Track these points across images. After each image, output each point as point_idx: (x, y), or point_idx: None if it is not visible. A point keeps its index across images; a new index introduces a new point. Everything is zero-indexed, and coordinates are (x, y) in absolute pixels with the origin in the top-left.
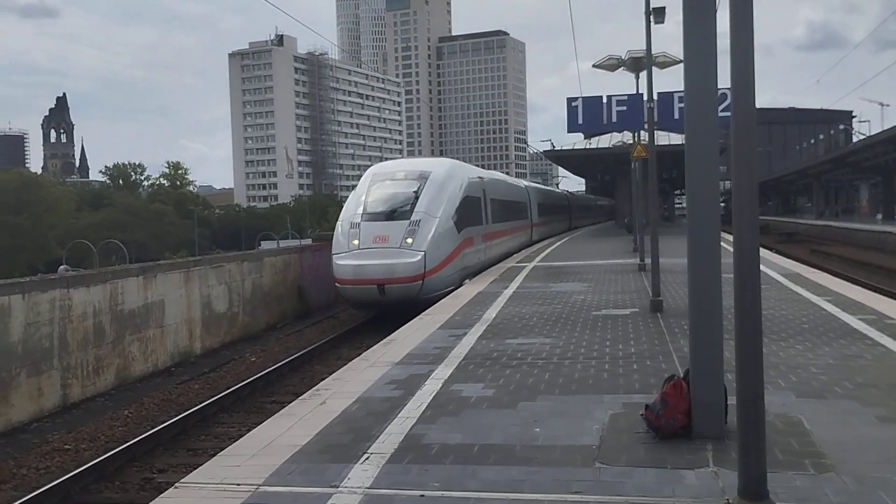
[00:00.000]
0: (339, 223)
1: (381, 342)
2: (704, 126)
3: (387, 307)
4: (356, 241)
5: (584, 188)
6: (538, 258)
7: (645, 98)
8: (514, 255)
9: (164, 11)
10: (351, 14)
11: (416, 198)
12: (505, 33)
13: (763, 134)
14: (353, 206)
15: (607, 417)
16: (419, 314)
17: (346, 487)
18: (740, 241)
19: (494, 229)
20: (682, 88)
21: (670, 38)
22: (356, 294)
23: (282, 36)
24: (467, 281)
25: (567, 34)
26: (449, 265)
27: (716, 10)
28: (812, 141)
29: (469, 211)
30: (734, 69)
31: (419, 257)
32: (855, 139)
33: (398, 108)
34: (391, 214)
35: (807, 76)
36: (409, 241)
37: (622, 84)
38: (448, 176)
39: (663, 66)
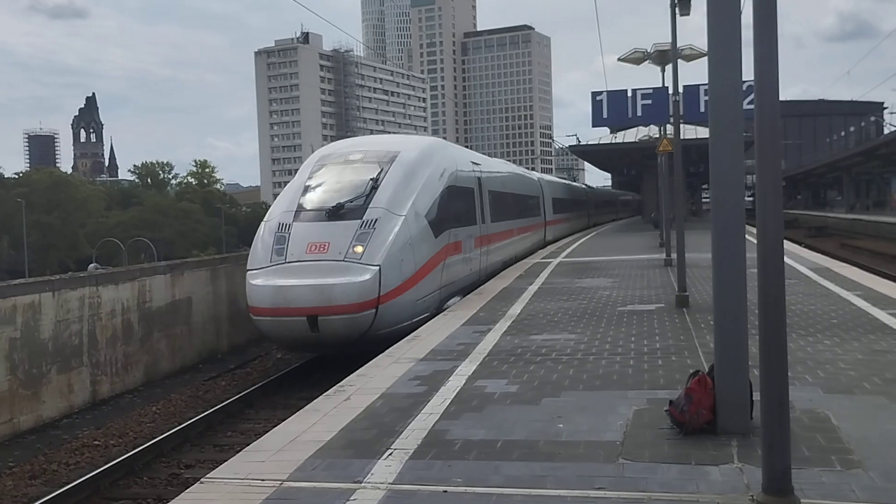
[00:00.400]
0: (262, 224)
1: (406, 338)
2: (729, 119)
3: (324, 349)
4: (282, 251)
5: (609, 183)
6: (564, 254)
7: (670, 91)
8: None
9: (192, 10)
10: (376, 10)
11: (375, 188)
12: (530, 28)
13: (793, 127)
14: (286, 202)
15: (631, 413)
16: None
17: (369, 483)
18: (764, 235)
19: (495, 230)
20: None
21: (696, 30)
22: (277, 330)
23: (307, 33)
24: (454, 301)
25: (592, 27)
26: (420, 283)
27: (740, 1)
28: (842, 133)
29: (455, 206)
30: (758, 60)
31: (371, 275)
32: (886, 131)
33: (423, 105)
34: (335, 212)
35: (837, 67)
36: (359, 249)
37: (648, 77)
38: (423, 158)
39: (689, 58)
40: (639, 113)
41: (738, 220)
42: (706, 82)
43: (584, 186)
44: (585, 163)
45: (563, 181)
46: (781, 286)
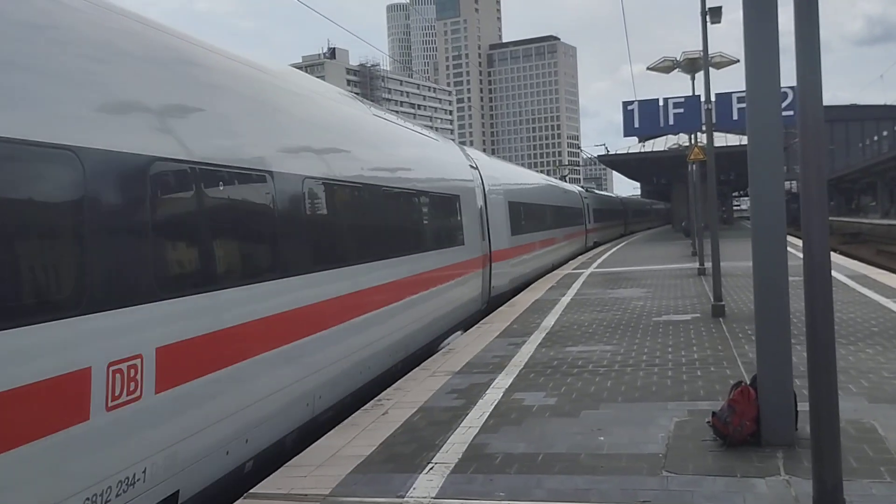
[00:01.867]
0: None
1: (441, 352)
2: (767, 126)
3: None
4: None
5: (638, 192)
6: (595, 264)
7: (702, 99)
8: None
9: (221, 28)
10: (402, 24)
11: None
12: (556, 38)
13: (842, 131)
14: None
15: (672, 425)
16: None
17: (412, 497)
18: (810, 243)
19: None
20: (741, 88)
21: (723, 37)
22: None
23: (334, 49)
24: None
25: (616, 37)
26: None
27: (777, 7)
28: (875, 138)
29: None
30: (800, 66)
31: None
32: None
33: (450, 117)
34: None
35: (867, 71)
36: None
37: (674, 86)
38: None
39: (720, 66)
40: (671, 122)
41: (778, 227)
42: (738, 90)
43: (618, 197)
44: (613, 172)
45: (602, 193)
46: (829, 295)
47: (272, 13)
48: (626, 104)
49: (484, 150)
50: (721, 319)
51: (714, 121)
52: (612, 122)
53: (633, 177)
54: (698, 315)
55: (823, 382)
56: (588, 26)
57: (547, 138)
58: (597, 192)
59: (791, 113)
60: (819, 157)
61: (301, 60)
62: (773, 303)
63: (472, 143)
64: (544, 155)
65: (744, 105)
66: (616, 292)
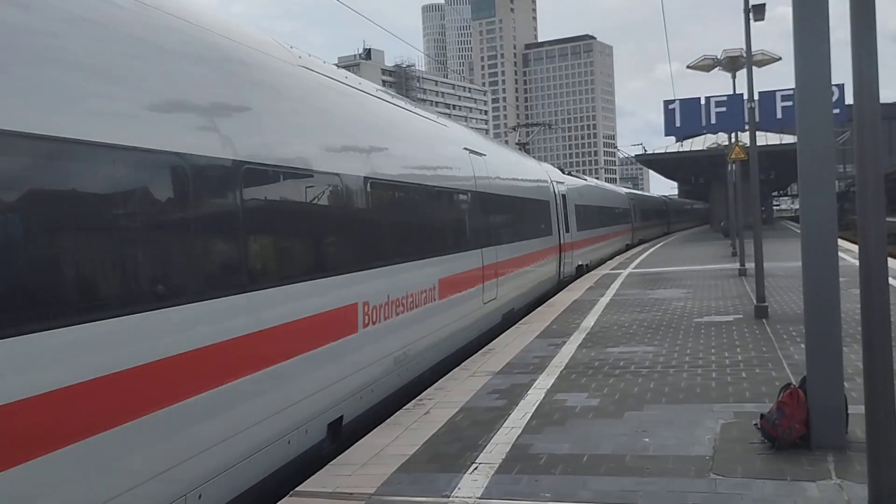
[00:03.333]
0: None
1: (480, 352)
2: (818, 123)
3: None
4: None
5: (676, 192)
6: (633, 265)
7: (745, 98)
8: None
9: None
10: (437, 25)
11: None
12: (592, 37)
13: (884, 130)
14: None
15: (719, 427)
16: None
17: (457, 497)
18: (866, 242)
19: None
20: (782, 87)
21: (762, 35)
22: None
23: (369, 49)
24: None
25: (651, 36)
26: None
27: (828, 1)
28: None
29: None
30: (856, 60)
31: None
32: None
33: (485, 117)
34: None
35: None
36: None
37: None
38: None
39: (761, 64)
40: (713, 121)
41: (829, 227)
42: (781, 88)
43: (661, 198)
44: (650, 171)
45: (646, 195)
46: (886, 295)
47: (307, 14)
48: (667, 103)
49: (518, 151)
50: (764, 321)
51: (758, 119)
52: (648, 122)
53: (671, 176)
54: (741, 316)
55: (880, 385)
56: (623, 25)
57: (582, 138)
58: (641, 193)
59: (837, 111)
60: (876, 154)
61: (337, 61)
62: (823, 304)
63: (507, 143)
64: (580, 155)
65: (788, 103)
66: (655, 293)
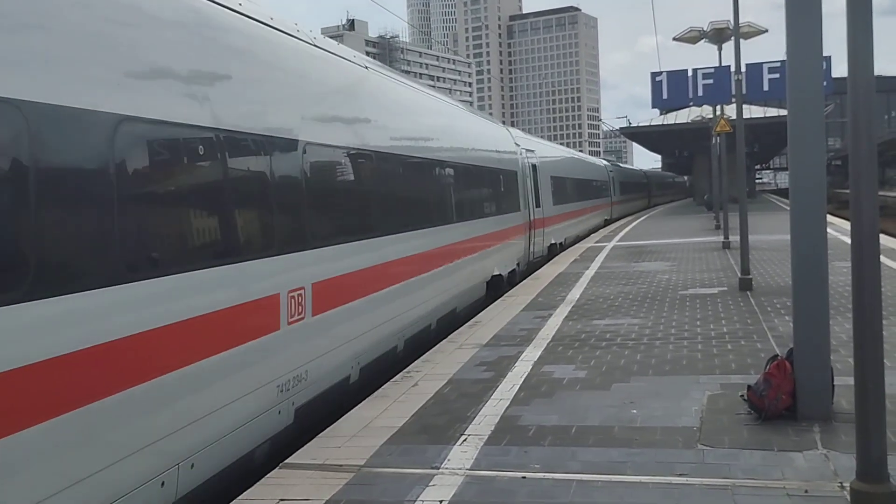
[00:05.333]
0: None
1: (467, 324)
2: (809, 96)
3: None
4: None
5: (660, 165)
6: (617, 237)
7: (732, 70)
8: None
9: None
10: None
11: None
12: (576, 9)
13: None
14: None
15: (705, 398)
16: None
17: (446, 468)
18: (858, 214)
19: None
20: (768, 59)
21: (743, 6)
22: None
23: (353, 20)
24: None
25: (633, 8)
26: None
27: None
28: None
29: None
30: (851, 28)
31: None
32: None
33: (469, 89)
34: None
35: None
36: None
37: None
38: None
39: (748, 36)
40: (700, 93)
41: (818, 199)
42: (768, 60)
43: (642, 171)
44: (634, 144)
45: (627, 167)
46: (877, 267)
47: None
48: (654, 75)
49: (503, 123)
50: (748, 293)
51: (745, 92)
52: (631, 95)
53: (655, 149)
54: (725, 288)
55: (870, 356)
56: None
57: (567, 110)
58: (621, 165)
59: (824, 83)
60: (869, 126)
61: (321, 31)
62: (811, 276)
63: (491, 115)
64: (564, 127)
65: (775, 76)
66: (640, 265)
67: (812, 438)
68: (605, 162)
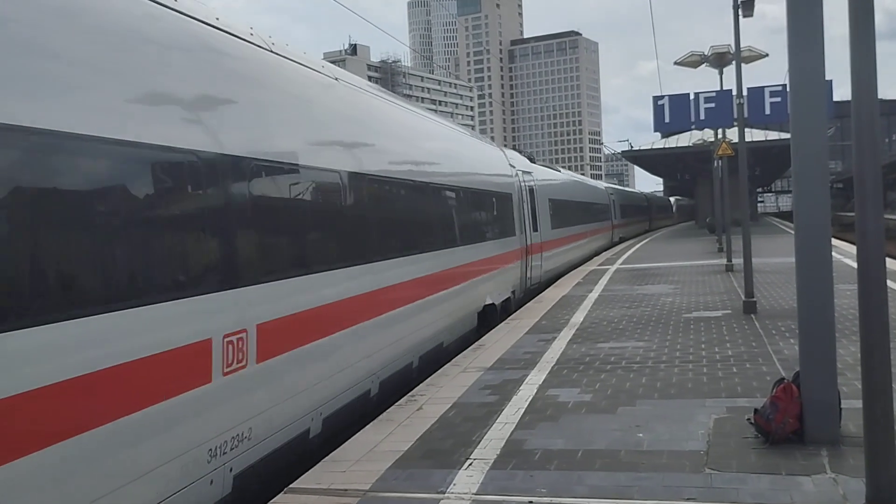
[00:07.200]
0: None
1: (471, 347)
2: (813, 119)
3: None
4: None
5: (661, 188)
6: (620, 261)
7: (734, 94)
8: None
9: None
10: (423, 21)
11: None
12: (577, 34)
13: (849, 127)
14: None
15: (712, 422)
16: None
17: (452, 493)
18: (864, 237)
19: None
20: (770, 83)
21: (742, 31)
22: None
23: (355, 45)
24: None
25: (634, 33)
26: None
27: None
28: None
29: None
30: (854, 51)
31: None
32: None
33: (471, 113)
34: None
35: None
36: None
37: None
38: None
39: (748, 60)
40: (702, 116)
41: (823, 221)
42: (770, 84)
43: (642, 193)
44: (636, 167)
45: (627, 190)
46: (884, 290)
47: (291, 10)
48: (656, 99)
49: (505, 146)
50: (753, 316)
51: (746, 115)
52: (631, 118)
53: (657, 172)
54: (729, 311)
55: (878, 380)
56: (605, 22)
57: (568, 134)
58: (620, 188)
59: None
60: (874, 148)
61: (322, 57)
62: (817, 300)
63: (493, 139)
64: (566, 151)
65: (777, 99)
66: (644, 288)
67: (820, 462)
68: (605, 185)
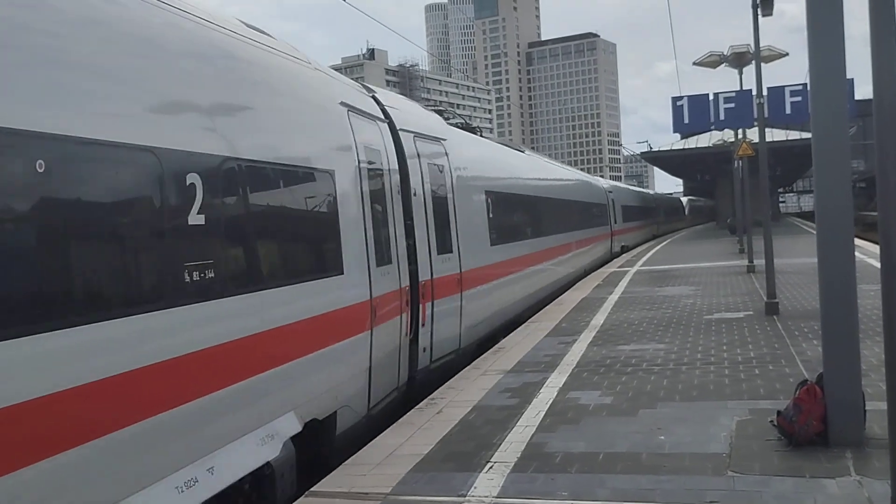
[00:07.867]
0: None
1: (491, 350)
2: (834, 118)
3: None
4: None
5: (681, 188)
6: (640, 262)
7: (754, 94)
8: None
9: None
10: (440, 24)
11: None
12: (595, 35)
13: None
14: None
15: (734, 424)
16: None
17: (473, 496)
18: (887, 238)
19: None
20: (789, 83)
21: (761, 30)
22: None
23: (373, 50)
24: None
25: (651, 34)
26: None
27: None
28: None
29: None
30: (875, 48)
31: None
32: None
33: (489, 116)
34: None
35: None
36: None
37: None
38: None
39: (768, 60)
40: (721, 117)
41: (846, 223)
42: (790, 83)
43: (651, 192)
44: (655, 169)
45: (631, 188)
46: None
47: (308, 15)
48: (675, 100)
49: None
50: (775, 317)
51: (767, 115)
52: (648, 119)
53: (676, 173)
54: (751, 313)
55: None
56: (623, 23)
57: (587, 135)
58: (622, 185)
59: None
60: None
61: (341, 62)
62: (840, 300)
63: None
64: (585, 153)
65: (797, 99)
66: (664, 290)
67: (845, 465)
68: (605, 182)
